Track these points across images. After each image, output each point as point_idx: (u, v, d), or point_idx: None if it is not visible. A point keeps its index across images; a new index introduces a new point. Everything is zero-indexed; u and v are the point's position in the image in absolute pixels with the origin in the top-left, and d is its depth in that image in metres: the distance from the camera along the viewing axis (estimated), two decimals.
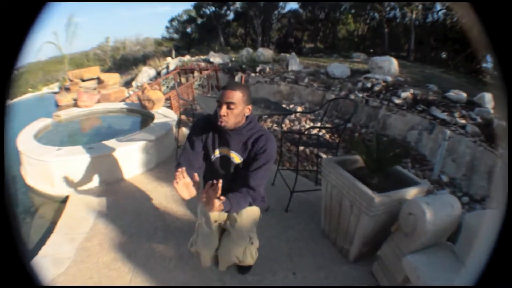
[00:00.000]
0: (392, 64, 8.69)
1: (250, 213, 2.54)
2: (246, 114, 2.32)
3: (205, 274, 2.89)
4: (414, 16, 15.24)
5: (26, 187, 4.81)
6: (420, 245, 2.43)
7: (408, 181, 2.91)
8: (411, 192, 2.72)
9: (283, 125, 7.16)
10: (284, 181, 4.09)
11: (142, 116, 6.89)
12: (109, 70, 21.07)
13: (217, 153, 2.43)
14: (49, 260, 3.09)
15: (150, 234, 3.47)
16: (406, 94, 7.04)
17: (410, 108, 6.64)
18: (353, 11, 19.54)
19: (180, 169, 2.05)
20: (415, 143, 6.11)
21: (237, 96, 2.19)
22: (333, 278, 2.90)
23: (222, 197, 2.10)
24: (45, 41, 21.24)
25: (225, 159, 2.43)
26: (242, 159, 2.38)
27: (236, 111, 2.20)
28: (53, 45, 21.53)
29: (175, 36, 31.55)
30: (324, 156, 5.50)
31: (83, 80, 12.78)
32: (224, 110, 2.18)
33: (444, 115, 6.01)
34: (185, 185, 2.06)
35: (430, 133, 5.79)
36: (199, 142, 2.44)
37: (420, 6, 15.11)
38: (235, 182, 2.38)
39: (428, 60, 14.43)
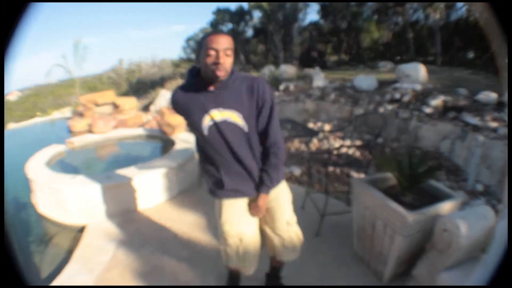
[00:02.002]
0: (419, 71, 8.54)
1: (285, 192, 2.49)
2: None
3: None
4: (438, 16, 14.89)
5: (38, 215, 4.85)
6: (455, 261, 2.40)
7: (442, 195, 2.85)
8: (445, 207, 2.67)
9: (311, 145, 7.06)
10: (314, 205, 4.03)
11: (162, 142, 6.94)
12: (125, 94, 20.81)
13: (207, 120, 2.07)
14: None
15: (175, 265, 3.42)
16: (437, 101, 6.90)
17: (441, 117, 6.49)
18: (375, 17, 19.30)
19: None
20: (449, 153, 5.96)
21: (231, 41, 1.93)
22: None
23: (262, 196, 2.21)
24: (54, 64, 21.51)
25: (224, 126, 2.08)
26: (242, 118, 2.08)
27: (231, 59, 1.97)
28: (62, 68, 21.68)
29: (193, 56, 30.14)
30: (355, 175, 5.40)
31: (97, 105, 12.69)
32: (223, 57, 1.90)
33: (476, 120, 5.86)
34: None
35: (463, 141, 5.57)
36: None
37: (442, 5, 14.74)
38: (246, 152, 2.17)
39: (456, 62, 14.11)
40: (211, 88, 2.03)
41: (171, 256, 3.57)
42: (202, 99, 2.05)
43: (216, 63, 1.90)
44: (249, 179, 2.23)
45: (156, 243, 3.84)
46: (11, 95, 26.48)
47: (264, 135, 2.16)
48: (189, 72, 2.14)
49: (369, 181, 3.11)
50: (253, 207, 2.27)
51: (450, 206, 2.67)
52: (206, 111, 2.05)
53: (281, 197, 2.41)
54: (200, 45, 1.97)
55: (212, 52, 1.89)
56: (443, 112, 6.60)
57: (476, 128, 5.68)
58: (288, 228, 2.44)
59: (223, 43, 1.89)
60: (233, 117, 2.06)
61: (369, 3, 19.03)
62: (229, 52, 1.92)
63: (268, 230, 2.46)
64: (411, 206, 2.64)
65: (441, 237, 2.39)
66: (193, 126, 2.13)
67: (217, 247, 3.58)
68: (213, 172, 2.24)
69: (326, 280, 3.06)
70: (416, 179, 2.82)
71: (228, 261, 2.45)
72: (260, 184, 2.22)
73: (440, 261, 2.45)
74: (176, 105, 2.15)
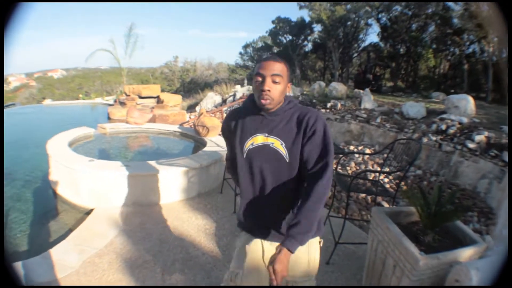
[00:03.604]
0: (468, 103, 8.27)
1: (316, 252, 1.97)
2: (287, 93, 1.93)
3: None
4: (491, 49, 14.35)
5: (51, 191, 4.99)
6: None
7: (465, 239, 2.57)
8: (465, 253, 2.38)
9: (347, 168, 6.92)
10: (331, 230, 3.77)
11: (195, 142, 6.98)
12: (176, 92, 20.98)
13: (249, 143, 1.92)
14: (49, 263, 3.14)
15: (167, 265, 3.37)
16: (481, 137, 6.55)
17: (483, 154, 6.15)
18: (433, 46, 18.89)
19: None
20: (484, 193, 5.60)
21: (282, 68, 1.82)
22: None
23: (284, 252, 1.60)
24: (98, 48, 22.00)
25: (262, 149, 1.89)
26: (284, 146, 1.85)
27: (281, 86, 1.83)
28: (110, 55, 21.80)
29: (250, 64, 30.64)
30: (386, 205, 5.12)
31: (141, 97, 12.88)
32: (269, 83, 1.79)
33: None
34: None
35: (500, 182, 5.21)
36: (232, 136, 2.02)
37: (496, 39, 14.23)
38: (277, 184, 1.90)
39: (506, 101, 13.55)
40: (262, 112, 1.93)
41: (166, 256, 3.52)
42: (250, 121, 1.97)
43: (261, 90, 1.81)
44: (263, 225, 1.95)
45: (156, 240, 3.82)
46: (54, 72, 27.22)
47: (309, 165, 1.83)
48: (248, 98, 2.05)
49: (390, 213, 2.86)
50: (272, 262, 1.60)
51: (471, 253, 2.38)
52: (251, 133, 1.93)
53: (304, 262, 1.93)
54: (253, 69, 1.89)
55: (259, 78, 1.82)
56: (486, 149, 6.25)
57: None
58: None
59: (271, 69, 1.80)
60: (276, 144, 1.88)
61: (429, 30, 18.98)
62: (278, 79, 1.81)
63: None
64: (429, 247, 2.41)
65: None
66: (237, 147, 1.98)
67: (215, 256, 3.59)
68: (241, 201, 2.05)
69: None
70: (440, 218, 2.55)
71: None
72: (287, 233, 1.68)
73: None
74: (225, 127, 2.09)
